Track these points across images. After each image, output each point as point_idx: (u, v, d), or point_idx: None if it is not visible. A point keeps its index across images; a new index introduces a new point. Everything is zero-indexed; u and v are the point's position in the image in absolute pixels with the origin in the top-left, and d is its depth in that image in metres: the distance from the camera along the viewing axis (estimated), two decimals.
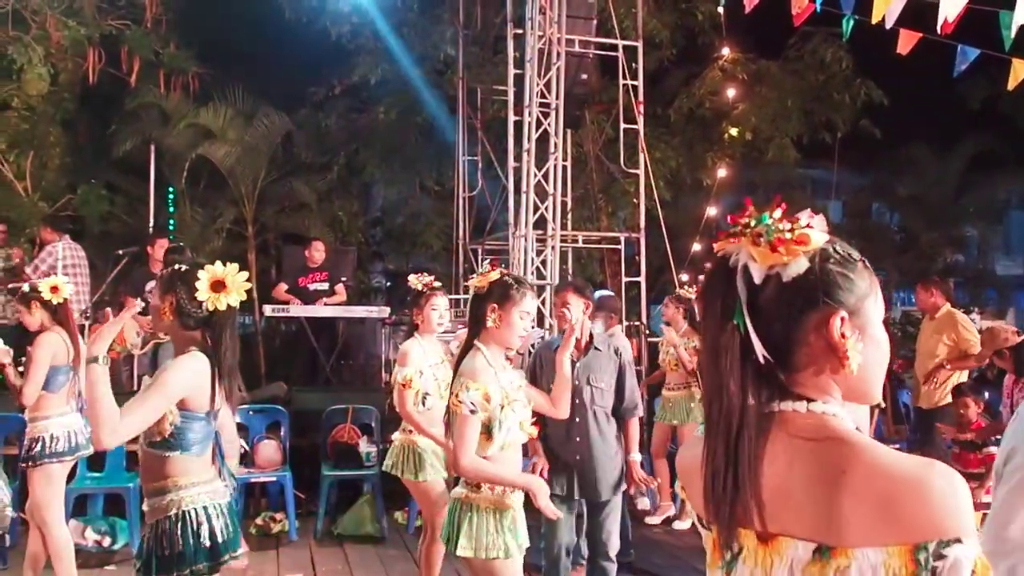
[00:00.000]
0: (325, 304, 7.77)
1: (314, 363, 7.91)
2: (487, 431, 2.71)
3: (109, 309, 2.69)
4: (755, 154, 11.35)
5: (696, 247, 10.43)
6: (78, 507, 5.39)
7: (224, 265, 2.57)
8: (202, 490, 2.54)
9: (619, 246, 9.11)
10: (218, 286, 2.55)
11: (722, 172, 10.70)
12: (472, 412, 2.65)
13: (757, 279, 1.08)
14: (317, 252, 8.03)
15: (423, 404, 3.85)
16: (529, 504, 2.81)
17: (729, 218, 1.14)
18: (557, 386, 3.23)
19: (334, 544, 5.65)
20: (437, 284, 4.13)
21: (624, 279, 8.74)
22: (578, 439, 3.88)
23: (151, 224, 9.53)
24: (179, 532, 2.46)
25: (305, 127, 10.83)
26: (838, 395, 1.11)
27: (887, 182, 14.77)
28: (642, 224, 8.56)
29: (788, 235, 1.07)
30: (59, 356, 4.12)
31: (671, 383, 6.21)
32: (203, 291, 2.52)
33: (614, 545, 3.95)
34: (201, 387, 2.52)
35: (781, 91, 10.65)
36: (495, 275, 2.82)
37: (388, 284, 12.35)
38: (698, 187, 11.33)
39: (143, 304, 3.14)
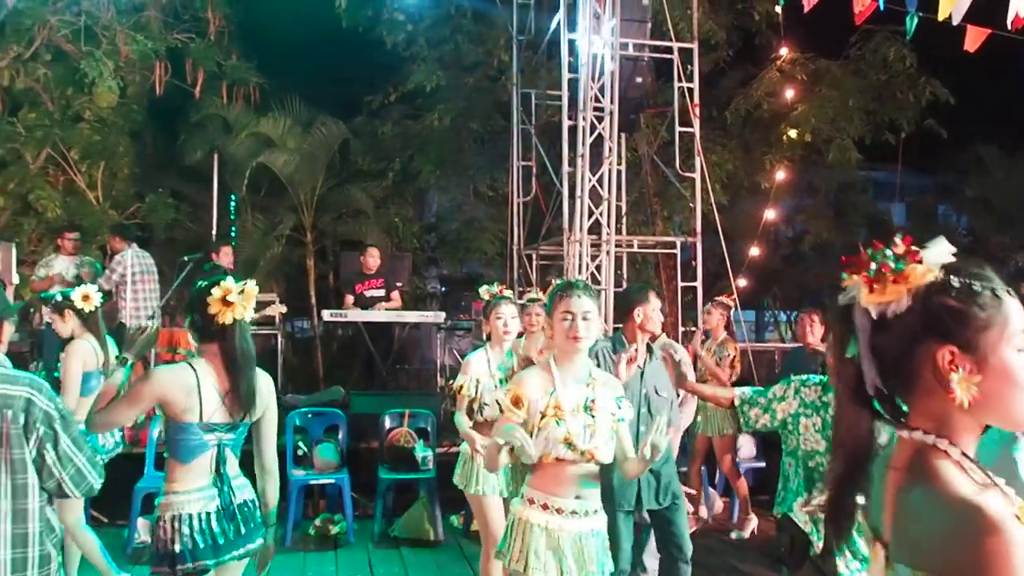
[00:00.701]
0: (381, 309, 7.87)
1: (371, 367, 8.02)
2: (529, 434, 2.70)
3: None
4: (815, 156, 11.14)
5: (754, 251, 10.29)
6: (146, 505, 5.55)
7: (247, 279, 2.73)
8: (185, 498, 2.67)
9: (675, 251, 9.03)
10: (228, 302, 2.67)
11: (780, 175, 10.53)
12: (501, 411, 2.71)
13: (874, 314, 1.15)
14: (373, 258, 8.14)
15: (481, 413, 3.86)
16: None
17: (844, 259, 1.22)
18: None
19: (391, 546, 5.70)
20: (505, 294, 4.09)
21: (680, 284, 8.66)
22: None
23: (214, 231, 9.79)
24: (162, 534, 2.65)
25: (361, 135, 11.02)
26: (961, 424, 1.13)
27: (953, 183, 14.37)
28: (698, 228, 8.46)
29: (889, 274, 1.14)
30: (89, 362, 4.26)
31: None
32: (215, 306, 2.66)
33: (689, 546, 3.90)
34: (178, 397, 2.64)
35: (842, 91, 10.42)
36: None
37: (443, 289, 12.45)
38: (755, 190, 11.18)
39: None
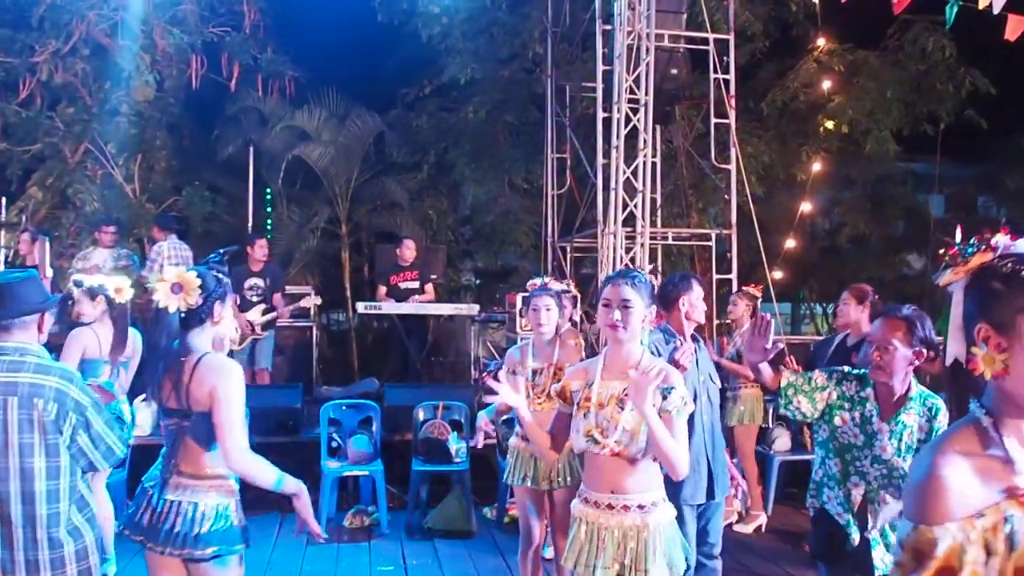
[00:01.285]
0: (415, 302, 7.91)
1: (405, 360, 8.07)
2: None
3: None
4: (852, 148, 10.97)
5: (790, 243, 10.17)
6: None
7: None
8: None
9: (710, 243, 8.95)
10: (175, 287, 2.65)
11: (817, 166, 10.39)
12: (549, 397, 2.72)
13: (949, 291, 1.30)
14: (408, 250, 8.18)
15: None
16: None
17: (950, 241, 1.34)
18: None
19: (424, 538, 5.74)
20: (538, 285, 4.06)
21: (715, 276, 8.59)
22: (706, 437, 3.75)
23: (250, 224, 9.90)
24: None
25: (396, 127, 11.06)
26: (1012, 402, 1.21)
27: (994, 174, 14.02)
28: (733, 220, 8.39)
29: (959, 258, 1.27)
30: (90, 349, 4.37)
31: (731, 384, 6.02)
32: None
33: (720, 543, 3.88)
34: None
35: (880, 82, 10.25)
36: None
37: (478, 282, 12.47)
38: (792, 182, 11.04)
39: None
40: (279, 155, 10.21)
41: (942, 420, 2.92)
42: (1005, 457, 1.17)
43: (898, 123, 10.48)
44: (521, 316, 4.09)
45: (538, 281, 4.09)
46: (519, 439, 3.96)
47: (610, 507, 2.64)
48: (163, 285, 2.62)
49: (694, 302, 3.74)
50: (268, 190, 11.10)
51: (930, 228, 12.02)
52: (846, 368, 3.16)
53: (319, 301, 7.80)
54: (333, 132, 10.15)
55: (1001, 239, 1.26)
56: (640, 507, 2.63)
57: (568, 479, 3.83)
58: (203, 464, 2.63)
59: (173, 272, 2.65)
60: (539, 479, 3.86)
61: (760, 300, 6.02)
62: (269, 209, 11.26)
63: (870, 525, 2.95)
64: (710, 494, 3.72)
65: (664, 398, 2.62)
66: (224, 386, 2.58)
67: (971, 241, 1.28)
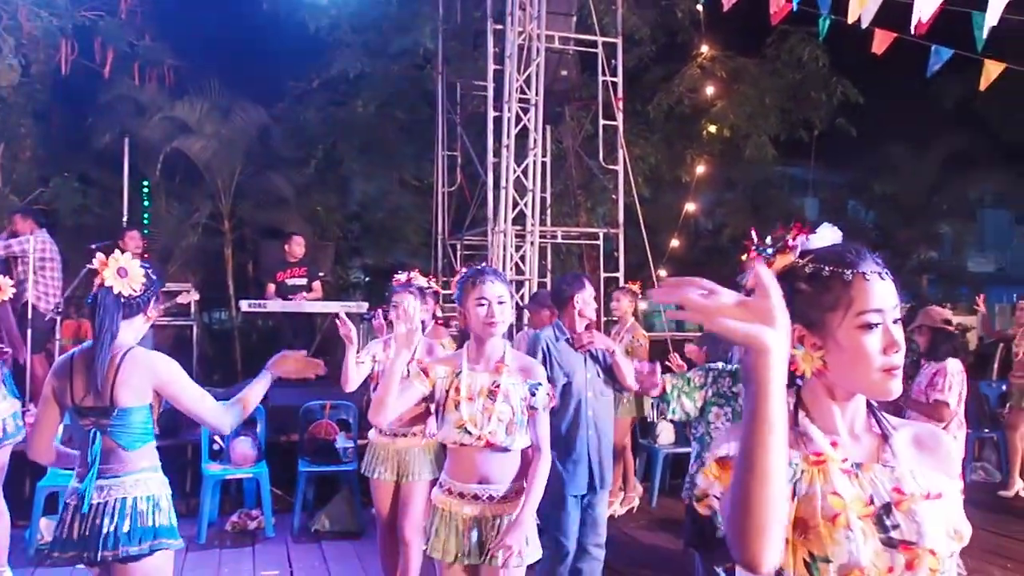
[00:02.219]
0: (305, 297, 7.73)
1: None
2: (435, 414, 2.79)
3: None
4: (733, 151, 11.42)
5: (675, 243, 10.49)
6: (49, 505, 5.31)
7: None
8: (70, 487, 2.63)
9: (598, 241, 9.13)
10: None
11: (700, 169, 10.76)
12: (408, 375, 2.70)
13: None
14: (296, 247, 7.97)
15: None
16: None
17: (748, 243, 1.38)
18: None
19: (311, 540, 5.61)
20: (402, 281, 4.10)
21: (603, 274, 8.76)
22: (590, 431, 3.88)
23: (125, 218, 9.42)
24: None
25: (283, 121, 10.77)
26: (820, 392, 1.31)
27: (863, 180, 14.92)
28: (621, 220, 8.57)
29: (764, 260, 1.29)
30: None
31: None
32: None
33: (604, 532, 3.97)
34: (61, 382, 2.64)
35: (759, 89, 10.73)
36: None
37: (367, 279, 12.29)
38: (677, 184, 11.39)
39: None
40: (157, 147, 9.75)
41: None
42: (803, 431, 1.29)
43: (776, 129, 10.99)
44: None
45: (402, 277, 4.08)
46: (375, 432, 3.99)
47: (476, 497, 2.70)
48: (109, 269, 2.57)
49: (587, 300, 3.88)
50: (146, 183, 10.59)
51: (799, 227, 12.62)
52: (720, 365, 3.28)
53: (197, 297, 7.48)
54: (215, 125, 9.77)
55: (799, 239, 1.31)
56: (504, 497, 2.72)
57: (420, 474, 3.92)
58: (127, 460, 2.58)
59: (123, 257, 2.62)
60: (394, 472, 3.92)
61: (640, 296, 6.18)
62: (147, 203, 10.74)
63: None
64: (592, 486, 3.84)
65: (532, 395, 2.74)
66: (168, 374, 2.60)
67: (766, 242, 1.32)
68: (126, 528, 2.49)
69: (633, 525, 6.06)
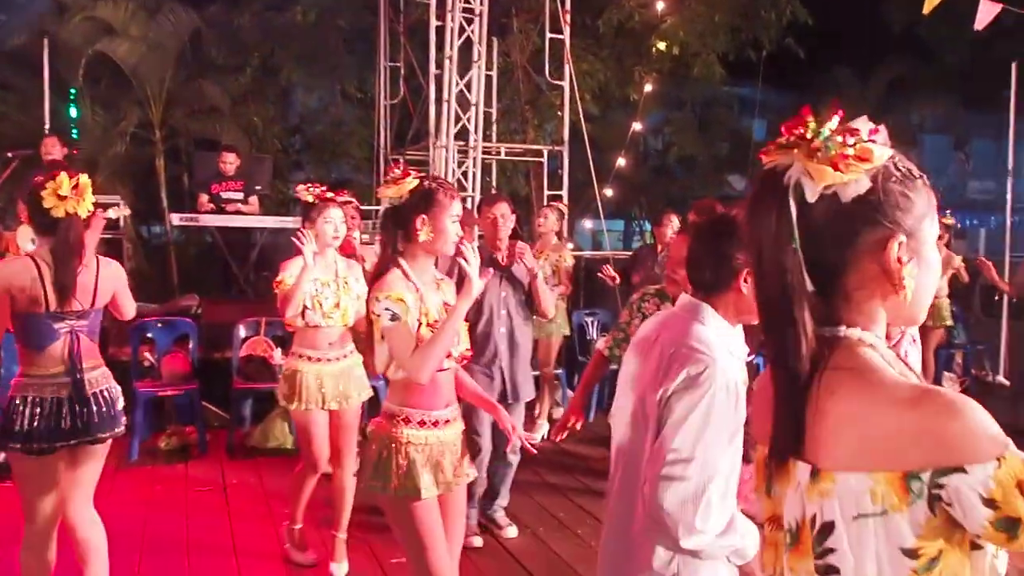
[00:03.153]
0: (241, 210, 7.49)
1: (227, 275, 7.67)
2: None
3: None
4: (683, 70, 11.26)
5: (621, 162, 10.39)
6: None
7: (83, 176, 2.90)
8: (39, 383, 2.86)
9: (543, 159, 8.98)
10: (62, 196, 2.80)
11: (649, 87, 10.59)
12: (394, 319, 2.43)
13: (810, 197, 1.01)
14: (228, 163, 7.68)
15: (302, 318, 3.70)
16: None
17: (783, 128, 1.04)
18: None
19: (246, 457, 5.57)
20: (330, 195, 3.82)
21: (546, 192, 8.66)
22: (502, 346, 4.08)
23: (47, 125, 8.92)
24: (13, 414, 2.83)
25: (215, 25, 10.19)
26: (883, 320, 1.07)
27: (810, 103, 14.91)
28: (566, 137, 8.43)
29: (850, 151, 0.99)
30: None
31: None
32: (49, 200, 2.80)
33: (518, 443, 4.00)
34: (25, 286, 2.79)
35: (709, 5, 10.50)
36: (414, 182, 2.55)
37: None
38: (626, 102, 11.22)
39: None
40: (79, 50, 9.18)
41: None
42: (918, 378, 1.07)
43: (725, 47, 10.83)
44: (308, 226, 3.78)
45: (318, 190, 3.86)
46: (292, 358, 3.79)
47: (447, 422, 2.57)
48: (72, 198, 2.81)
49: (504, 214, 4.04)
50: (73, 90, 10.02)
51: (750, 151, 12.66)
52: (639, 294, 3.30)
53: (128, 212, 7.18)
54: (142, 27, 9.22)
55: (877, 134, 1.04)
56: (456, 418, 2.63)
57: (360, 395, 3.82)
58: (97, 354, 3.00)
59: (79, 177, 2.86)
60: (326, 401, 3.72)
61: (566, 214, 6.11)
62: (76, 110, 10.18)
63: None
64: (504, 398, 4.02)
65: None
66: (124, 280, 3.12)
67: (820, 131, 1.02)
68: (113, 412, 2.95)
69: (570, 439, 6.12)
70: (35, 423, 2.82)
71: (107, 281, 3.01)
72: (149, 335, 6.02)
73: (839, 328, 1.03)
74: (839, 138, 1.00)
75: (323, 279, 3.73)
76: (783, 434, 1.03)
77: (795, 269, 1.01)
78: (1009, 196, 8.31)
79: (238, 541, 4.20)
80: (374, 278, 2.56)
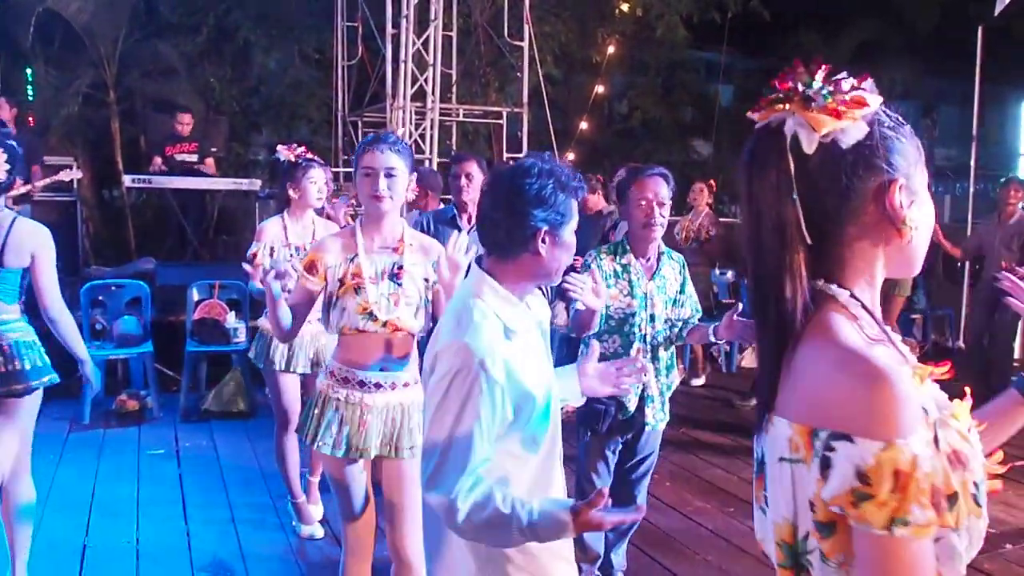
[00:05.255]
0: (190, 176, 7.40)
1: (182, 237, 7.60)
2: (327, 304, 2.58)
3: None
4: (646, 32, 11.20)
5: (584, 126, 10.37)
6: None
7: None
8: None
9: (502, 121, 8.93)
10: None
11: (611, 50, 10.54)
12: (302, 277, 2.56)
13: (808, 148, 0.99)
14: (183, 124, 7.57)
15: None
16: None
17: (777, 83, 1.03)
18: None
19: (200, 421, 5.58)
20: (311, 155, 3.84)
21: (505, 156, 8.63)
22: None
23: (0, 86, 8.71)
24: None
25: None
26: (881, 269, 1.06)
27: (776, 68, 14.82)
28: (525, 99, 8.38)
29: (847, 98, 0.99)
30: None
31: None
32: None
33: None
34: None
35: None
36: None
37: (270, 157, 11.80)
38: (588, 64, 11.15)
39: None
40: (28, 7, 8.92)
41: (686, 272, 3.18)
42: (890, 342, 1.01)
43: (688, 9, 10.77)
44: (292, 186, 3.79)
45: (299, 150, 3.83)
46: (266, 318, 3.79)
47: (378, 385, 2.55)
48: None
49: (471, 173, 3.92)
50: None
51: (715, 116, 12.65)
52: (594, 250, 3.18)
53: (80, 175, 7.05)
54: None
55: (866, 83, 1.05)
56: (405, 384, 2.60)
57: (321, 363, 3.76)
58: (9, 311, 2.95)
59: None
60: (293, 363, 3.75)
61: None
62: (29, 70, 9.92)
63: (648, 385, 3.06)
64: None
65: (434, 271, 2.62)
66: (47, 248, 2.96)
67: (810, 81, 1.03)
68: (28, 366, 2.92)
69: None
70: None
71: (20, 239, 2.89)
72: (100, 298, 5.97)
73: (830, 285, 1.02)
74: (831, 87, 1.00)
75: (299, 243, 3.75)
76: (763, 388, 1.04)
77: (795, 222, 1.00)
78: (973, 163, 8.35)
79: (189, 504, 4.21)
80: None
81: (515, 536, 1.60)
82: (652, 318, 3.04)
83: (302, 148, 3.88)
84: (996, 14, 6.44)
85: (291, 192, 3.76)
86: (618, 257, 3.08)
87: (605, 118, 13.10)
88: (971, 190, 8.82)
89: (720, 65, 13.23)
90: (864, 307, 1.02)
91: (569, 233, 1.77)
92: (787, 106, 1.01)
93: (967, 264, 7.86)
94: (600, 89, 10.29)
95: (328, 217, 4.40)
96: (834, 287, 1.02)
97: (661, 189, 2.98)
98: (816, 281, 1.02)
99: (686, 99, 13.37)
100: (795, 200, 0.99)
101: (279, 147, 3.92)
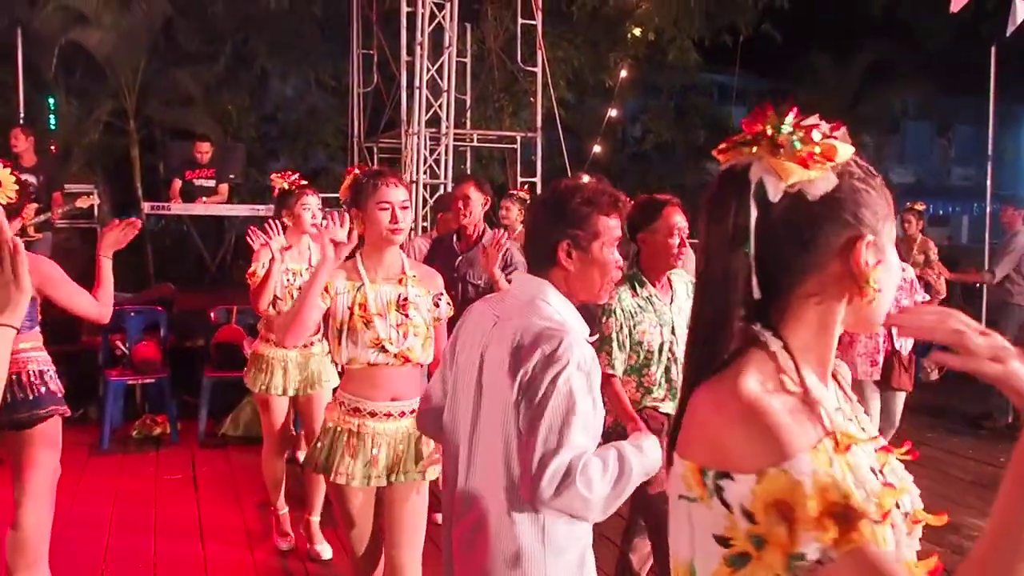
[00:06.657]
0: (205, 202, 7.49)
1: (200, 263, 7.68)
2: (337, 334, 2.57)
3: None
4: (658, 56, 11.28)
5: (597, 149, 10.42)
6: None
7: None
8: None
9: (516, 146, 9.00)
10: None
11: (624, 73, 10.61)
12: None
13: (774, 197, 0.95)
14: (202, 153, 7.69)
15: (273, 307, 3.70)
16: None
17: (743, 124, 0.99)
18: None
19: (217, 446, 5.59)
20: (304, 183, 3.92)
21: (519, 180, 8.68)
22: None
23: (22, 114, 8.87)
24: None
25: (187, 14, 10.13)
26: (837, 326, 1.00)
27: (788, 89, 15.00)
28: (539, 124, 8.44)
29: (817, 148, 0.94)
30: None
31: None
32: None
33: None
34: None
35: None
36: (349, 180, 2.67)
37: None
38: (601, 88, 11.23)
39: None
40: (52, 39, 9.13)
41: (691, 278, 3.15)
42: (806, 402, 0.94)
43: (700, 32, 10.84)
44: (286, 213, 3.87)
45: (293, 178, 3.90)
46: (260, 342, 3.89)
47: (388, 415, 2.56)
48: None
49: (469, 195, 4.00)
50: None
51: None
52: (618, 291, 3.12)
53: (97, 201, 7.16)
54: (115, 16, 9.17)
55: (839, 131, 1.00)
56: (412, 411, 2.57)
57: (315, 386, 3.83)
58: (29, 338, 2.93)
59: None
60: (294, 385, 3.80)
61: (528, 201, 6.08)
62: (52, 100, 10.11)
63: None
64: None
65: (436, 305, 2.64)
66: (51, 273, 2.91)
67: (780, 126, 0.97)
68: (31, 396, 2.88)
69: None
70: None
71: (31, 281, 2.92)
72: (119, 323, 6.03)
73: (765, 332, 0.98)
74: (802, 133, 0.95)
75: (295, 268, 3.80)
76: (674, 426, 1.03)
77: (744, 275, 0.96)
78: (989, 182, 8.28)
79: (206, 528, 4.23)
80: None
81: (636, 479, 1.73)
82: (681, 340, 3.04)
83: (296, 175, 3.95)
84: (1008, 34, 6.48)
85: (286, 219, 3.82)
86: (639, 290, 3.04)
87: (619, 142, 13.17)
88: (987, 210, 8.75)
89: (733, 87, 13.30)
90: (794, 361, 0.95)
91: (600, 249, 1.81)
92: (754, 149, 0.96)
93: (985, 287, 7.76)
94: (613, 113, 10.35)
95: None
96: (768, 335, 0.97)
97: (681, 216, 3.00)
98: (754, 325, 0.98)
99: (699, 122, 13.43)
100: (747, 254, 0.95)
101: (272, 175, 4.01)
